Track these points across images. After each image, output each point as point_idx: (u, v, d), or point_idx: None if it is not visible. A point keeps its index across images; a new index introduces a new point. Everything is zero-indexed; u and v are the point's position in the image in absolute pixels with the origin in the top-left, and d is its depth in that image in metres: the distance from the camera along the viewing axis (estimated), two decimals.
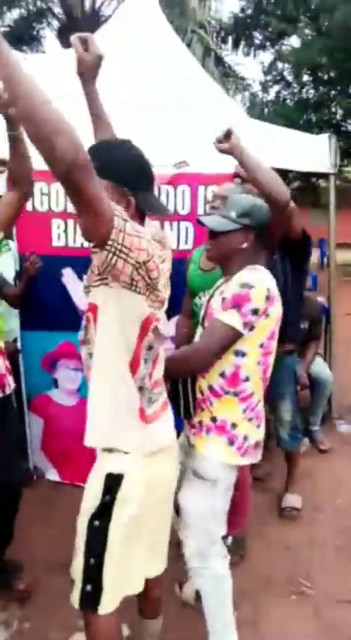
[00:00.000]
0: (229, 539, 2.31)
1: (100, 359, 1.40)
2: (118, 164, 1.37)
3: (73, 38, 1.63)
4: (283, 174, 4.37)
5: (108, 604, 1.40)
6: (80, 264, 2.81)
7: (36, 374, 2.99)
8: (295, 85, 13.76)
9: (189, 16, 9.06)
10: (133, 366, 1.38)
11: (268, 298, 1.64)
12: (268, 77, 14.11)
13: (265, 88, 13.78)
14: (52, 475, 3.12)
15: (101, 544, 1.38)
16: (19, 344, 2.96)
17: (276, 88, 13.92)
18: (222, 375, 1.66)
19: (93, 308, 1.40)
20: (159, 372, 1.49)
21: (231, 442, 1.66)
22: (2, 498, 2.13)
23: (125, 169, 1.37)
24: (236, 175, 2.47)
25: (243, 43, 12.82)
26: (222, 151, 1.93)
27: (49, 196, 2.75)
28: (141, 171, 1.42)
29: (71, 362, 2.95)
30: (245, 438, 1.66)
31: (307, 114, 12.69)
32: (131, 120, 3.23)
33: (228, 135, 1.89)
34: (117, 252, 1.22)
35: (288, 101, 13.83)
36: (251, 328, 1.62)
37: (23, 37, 10.66)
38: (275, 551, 2.51)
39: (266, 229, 1.79)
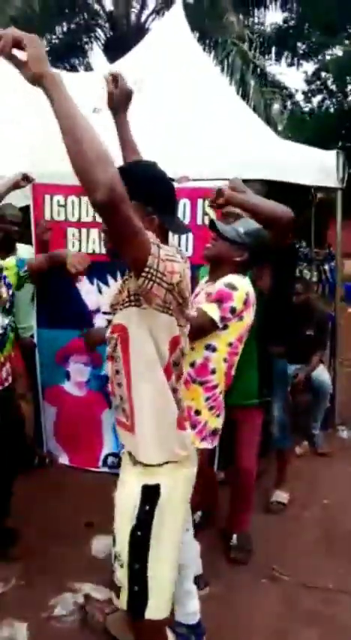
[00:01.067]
0: (198, 514, 2.61)
1: (137, 378, 1.43)
2: (144, 184, 1.41)
3: (106, 75, 1.83)
4: (306, 189, 4.55)
5: (156, 609, 1.46)
6: (92, 269, 3.12)
7: (50, 367, 3.31)
8: (339, 94, 13.73)
9: (228, 29, 9.27)
10: (167, 378, 1.44)
11: (245, 302, 1.91)
12: (312, 87, 14.15)
13: (307, 97, 13.81)
14: (63, 459, 3.42)
15: (145, 551, 1.44)
16: (35, 340, 3.29)
17: (319, 97, 13.92)
18: (192, 364, 1.89)
19: (121, 329, 1.44)
20: (181, 384, 1.57)
21: (193, 426, 1.89)
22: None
23: (150, 189, 1.43)
24: (232, 189, 2.70)
25: (285, 53, 12.92)
26: (219, 207, 2.16)
27: (66, 207, 3.07)
28: (165, 192, 1.47)
29: (82, 357, 3.25)
30: (205, 424, 1.89)
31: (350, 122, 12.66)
32: (158, 138, 3.53)
33: (219, 194, 2.05)
34: (152, 278, 1.28)
35: (331, 110, 13.82)
36: (225, 327, 1.87)
37: (71, 49, 11.20)
38: (255, 541, 2.67)
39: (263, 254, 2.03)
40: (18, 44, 1.14)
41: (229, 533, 2.61)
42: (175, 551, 1.53)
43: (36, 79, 1.15)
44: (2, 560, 2.45)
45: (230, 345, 1.94)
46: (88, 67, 11.46)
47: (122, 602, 1.49)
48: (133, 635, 1.64)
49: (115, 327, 1.48)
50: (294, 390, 3.56)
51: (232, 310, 1.88)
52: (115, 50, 9.54)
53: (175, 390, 1.47)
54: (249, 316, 1.98)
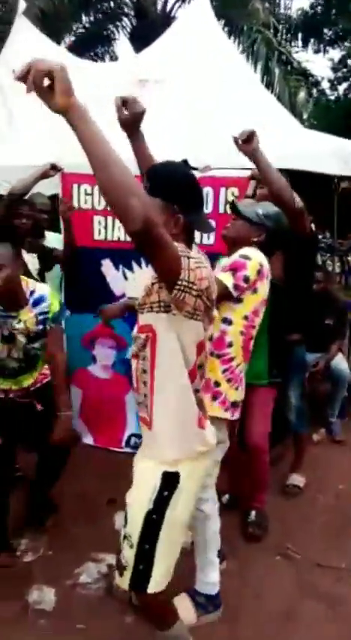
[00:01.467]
0: (226, 497, 2.76)
1: (162, 379, 1.49)
2: (171, 184, 1.46)
3: (116, 99, 1.81)
4: (329, 178, 4.56)
5: (156, 585, 1.54)
6: (117, 255, 3.24)
7: (77, 351, 3.43)
8: None
9: (253, 16, 9.20)
10: (191, 380, 1.51)
11: (259, 272, 2.00)
12: (338, 74, 13.92)
13: (333, 85, 13.60)
14: (88, 439, 3.56)
15: (156, 533, 1.52)
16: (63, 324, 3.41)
17: (345, 85, 13.69)
18: (210, 338, 1.98)
19: (150, 330, 1.48)
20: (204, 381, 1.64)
21: (215, 397, 1.98)
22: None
23: (178, 189, 1.46)
24: (252, 178, 2.78)
25: (312, 40, 12.72)
26: (241, 150, 2.24)
27: (93, 196, 3.18)
28: (193, 191, 1.51)
29: (107, 341, 3.37)
30: (226, 395, 1.98)
31: None
32: (184, 126, 3.60)
33: (251, 136, 2.19)
34: (184, 289, 1.35)
35: None
36: (240, 300, 1.95)
37: (97, 38, 11.23)
38: (271, 522, 2.77)
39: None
40: (48, 75, 1.11)
41: (248, 510, 2.72)
42: (183, 532, 1.63)
43: (62, 111, 1.13)
44: (33, 532, 2.60)
45: (246, 318, 2.03)
46: (114, 56, 11.48)
47: (124, 580, 1.57)
48: (142, 608, 1.74)
49: (143, 327, 1.53)
50: (312, 378, 3.62)
51: (246, 279, 1.96)
52: (140, 39, 9.56)
53: (197, 391, 1.55)
54: (263, 288, 2.06)
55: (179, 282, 1.34)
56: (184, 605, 2.03)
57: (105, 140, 1.16)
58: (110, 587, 2.24)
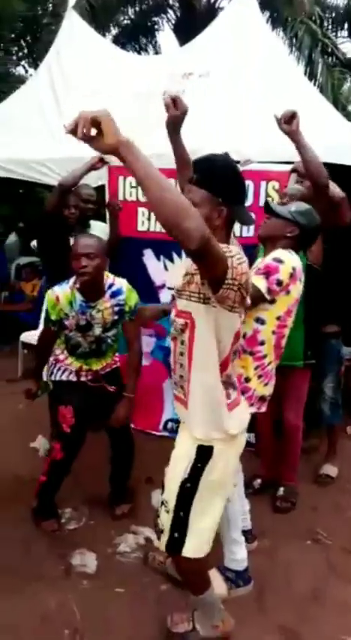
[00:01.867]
0: (258, 481, 2.90)
1: (198, 363, 1.60)
2: (217, 176, 1.52)
3: (166, 99, 1.90)
4: None
5: (192, 549, 1.67)
6: (159, 246, 3.36)
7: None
8: None
9: (297, 7, 9.07)
10: (222, 368, 1.61)
11: (291, 276, 2.06)
12: None
13: None
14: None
15: (190, 501, 1.65)
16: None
17: None
18: (243, 336, 2.08)
19: (188, 317, 1.57)
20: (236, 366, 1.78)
21: (242, 392, 2.07)
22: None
23: (224, 182, 1.52)
24: (294, 171, 2.84)
25: None
26: (283, 130, 2.34)
27: (137, 188, 3.30)
28: (237, 185, 1.57)
29: (147, 329, 3.49)
30: (253, 392, 2.07)
31: None
32: (226, 119, 3.67)
33: (292, 116, 2.31)
34: (228, 287, 1.43)
35: None
36: (273, 301, 2.03)
37: (141, 30, 11.31)
38: (303, 509, 2.85)
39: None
40: (95, 124, 1.21)
41: (277, 485, 2.85)
42: (218, 505, 1.73)
43: (112, 150, 1.23)
44: (77, 503, 2.79)
45: (278, 318, 2.10)
46: (157, 47, 11.55)
47: (162, 543, 1.71)
48: (177, 572, 1.87)
49: (181, 313, 1.61)
50: (348, 371, 3.65)
51: (279, 283, 2.04)
52: (184, 31, 9.59)
53: (229, 376, 1.65)
54: (296, 290, 2.13)
55: (224, 283, 1.41)
56: (215, 579, 2.13)
57: (154, 170, 1.24)
58: (146, 558, 2.39)
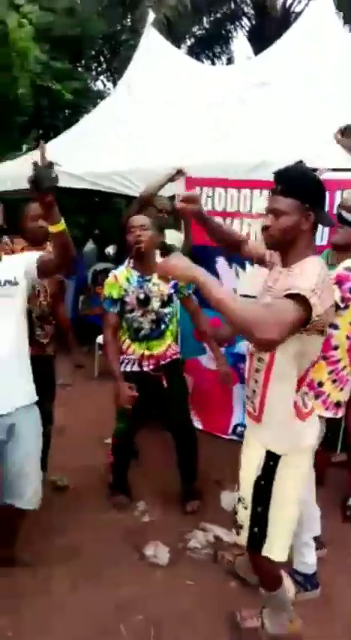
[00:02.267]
0: None
1: (275, 382, 1.64)
2: (304, 185, 1.58)
3: (179, 205, 1.81)
4: None
5: (271, 549, 1.72)
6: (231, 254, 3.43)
7: (190, 342, 3.70)
8: None
9: None
10: (300, 382, 1.65)
11: None
12: None
13: None
14: (196, 424, 3.80)
15: (266, 498, 1.70)
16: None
17: None
18: None
19: None
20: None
21: (317, 396, 2.11)
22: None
23: (310, 189, 1.58)
24: None
25: None
26: (338, 143, 2.38)
27: (213, 198, 3.40)
28: (320, 189, 1.62)
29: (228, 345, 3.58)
30: (328, 396, 2.11)
31: None
32: (300, 127, 3.71)
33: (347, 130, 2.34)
34: (314, 322, 1.44)
35: None
36: (346, 307, 2.07)
37: (215, 38, 11.46)
38: None
39: None
40: (171, 272, 1.45)
41: (347, 496, 2.82)
42: (294, 505, 1.76)
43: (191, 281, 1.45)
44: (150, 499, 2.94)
45: None
46: (230, 55, 11.66)
47: (242, 538, 1.78)
48: (252, 567, 1.93)
49: None
50: None
51: None
52: (259, 38, 9.63)
53: (305, 393, 1.70)
54: None
55: (310, 322, 1.44)
56: (284, 581, 2.18)
57: (225, 295, 1.40)
58: (216, 556, 2.47)
